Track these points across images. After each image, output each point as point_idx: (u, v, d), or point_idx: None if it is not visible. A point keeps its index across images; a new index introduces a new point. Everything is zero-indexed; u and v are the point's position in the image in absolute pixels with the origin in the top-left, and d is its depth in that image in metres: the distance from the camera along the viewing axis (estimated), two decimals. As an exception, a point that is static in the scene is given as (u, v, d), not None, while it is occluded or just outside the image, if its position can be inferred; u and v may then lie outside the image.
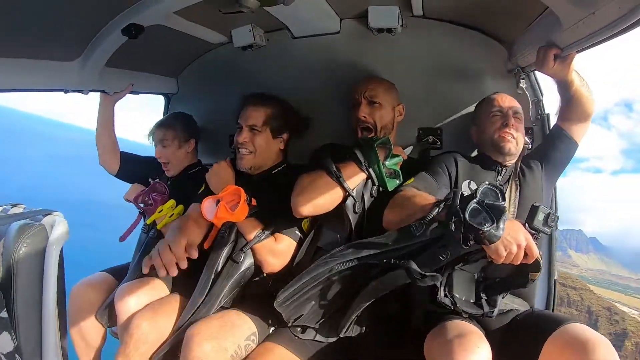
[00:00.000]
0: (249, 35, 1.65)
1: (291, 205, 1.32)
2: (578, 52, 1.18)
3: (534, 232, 1.02)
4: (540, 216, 1.03)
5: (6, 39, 1.25)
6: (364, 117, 1.47)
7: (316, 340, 1.27)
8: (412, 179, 1.31)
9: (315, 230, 1.44)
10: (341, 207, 1.34)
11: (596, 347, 0.93)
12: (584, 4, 0.97)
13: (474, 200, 0.96)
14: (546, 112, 1.61)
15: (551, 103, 1.59)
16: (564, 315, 1.12)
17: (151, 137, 1.85)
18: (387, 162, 1.35)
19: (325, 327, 1.26)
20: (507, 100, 1.44)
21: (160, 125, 1.84)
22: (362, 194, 1.35)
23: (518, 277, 1.10)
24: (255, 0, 1.27)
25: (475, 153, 1.56)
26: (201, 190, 1.57)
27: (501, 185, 1.35)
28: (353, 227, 1.34)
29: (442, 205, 1.02)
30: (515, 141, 1.37)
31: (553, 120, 1.57)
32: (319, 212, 1.33)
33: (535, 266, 1.03)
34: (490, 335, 1.12)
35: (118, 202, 1.94)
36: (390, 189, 1.33)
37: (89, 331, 1.61)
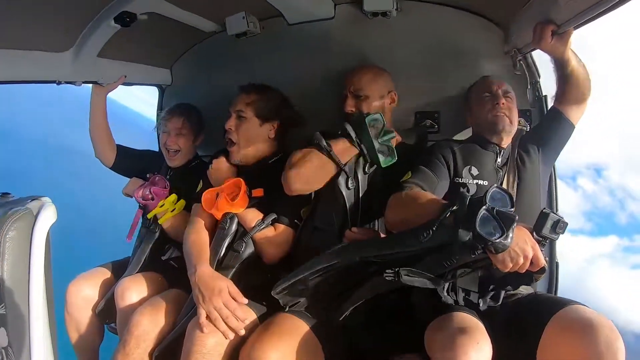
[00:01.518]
0: (243, 22, 1.63)
1: (282, 181, 1.31)
2: (575, 28, 1.17)
3: (541, 239, 0.99)
4: (549, 223, 0.99)
5: None
6: (351, 110, 1.48)
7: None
8: (410, 174, 1.28)
9: (309, 211, 1.43)
10: (334, 183, 1.33)
11: (598, 329, 0.90)
12: None
13: (484, 207, 0.93)
14: (544, 94, 1.60)
15: (548, 85, 1.59)
16: (566, 298, 1.08)
17: (158, 125, 1.84)
18: (379, 138, 1.33)
19: (322, 315, 1.24)
20: (495, 82, 1.43)
21: (176, 113, 1.80)
22: (355, 171, 1.34)
23: (522, 277, 1.06)
24: None
25: (469, 135, 1.54)
26: (199, 188, 1.56)
27: (500, 168, 1.34)
28: (347, 203, 1.33)
29: (449, 211, 0.98)
30: (509, 119, 1.35)
31: (550, 103, 1.57)
32: (311, 187, 1.33)
33: (540, 271, 1.01)
34: (494, 318, 1.12)
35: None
36: (383, 166, 1.32)
37: (87, 327, 1.59)
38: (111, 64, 1.67)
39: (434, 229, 0.98)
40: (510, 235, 0.91)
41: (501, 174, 1.33)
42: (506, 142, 1.37)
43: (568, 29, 1.18)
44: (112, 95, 1.81)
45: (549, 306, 1.04)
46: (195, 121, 1.81)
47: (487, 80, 1.45)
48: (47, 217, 1.11)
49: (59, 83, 1.55)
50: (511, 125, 1.36)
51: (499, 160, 1.35)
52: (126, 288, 1.45)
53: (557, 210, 1.55)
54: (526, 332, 1.04)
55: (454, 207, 0.97)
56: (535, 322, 1.02)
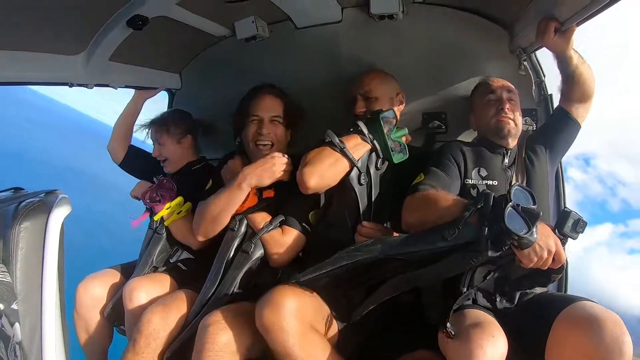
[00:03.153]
0: (252, 27, 1.66)
1: (297, 179, 1.31)
2: (578, 24, 1.20)
3: (562, 237, 1.02)
4: (570, 222, 1.03)
5: (11, 32, 1.25)
6: (362, 112, 1.51)
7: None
8: (422, 176, 1.30)
9: (324, 207, 1.43)
10: (346, 179, 1.33)
11: (603, 324, 0.89)
12: None
13: (510, 204, 0.95)
14: (549, 93, 1.62)
15: (554, 84, 1.62)
16: (574, 295, 1.08)
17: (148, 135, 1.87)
18: (392, 135, 1.34)
19: (337, 310, 1.24)
20: (499, 83, 1.45)
21: (153, 124, 1.85)
22: (367, 167, 1.35)
23: (539, 276, 1.09)
24: None
25: (474, 136, 1.56)
26: (208, 186, 1.56)
27: (508, 167, 1.36)
28: (359, 199, 1.33)
29: (473, 209, 1.00)
30: (514, 122, 1.38)
31: (556, 102, 1.59)
32: (326, 184, 1.33)
33: (559, 269, 1.03)
34: (507, 316, 1.11)
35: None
36: (395, 162, 1.34)
37: (96, 328, 1.59)
38: (122, 68, 1.69)
39: (459, 227, 0.99)
40: (535, 230, 0.94)
41: (509, 173, 1.35)
42: (512, 143, 1.40)
43: (571, 26, 1.21)
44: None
45: (556, 304, 1.04)
46: (173, 127, 1.82)
47: (490, 82, 1.47)
48: (62, 209, 1.11)
49: (72, 85, 1.57)
50: (516, 128, 1.39)
51: (506, 160, 1.38)
52: (134, 289, 1.45)
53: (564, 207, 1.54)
54: (535, 330, 1.04)
55: (479, 205, 0.99)
56: (543, 320, 1.03)
